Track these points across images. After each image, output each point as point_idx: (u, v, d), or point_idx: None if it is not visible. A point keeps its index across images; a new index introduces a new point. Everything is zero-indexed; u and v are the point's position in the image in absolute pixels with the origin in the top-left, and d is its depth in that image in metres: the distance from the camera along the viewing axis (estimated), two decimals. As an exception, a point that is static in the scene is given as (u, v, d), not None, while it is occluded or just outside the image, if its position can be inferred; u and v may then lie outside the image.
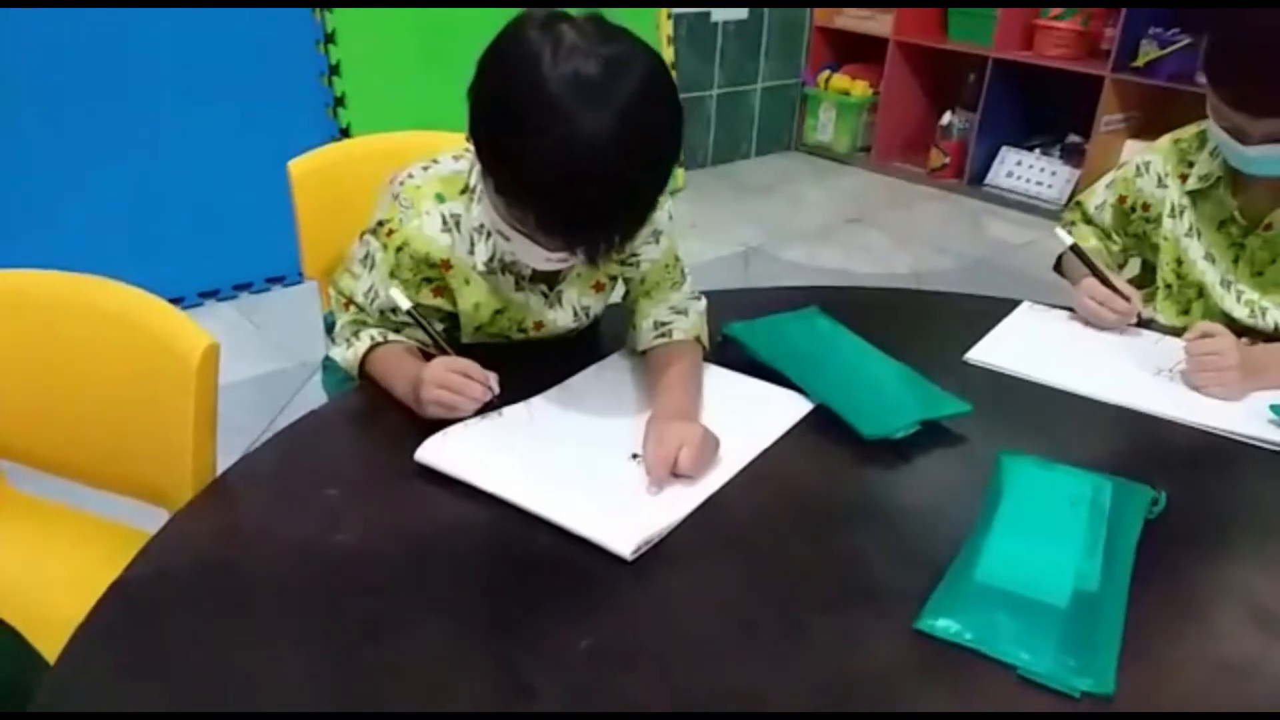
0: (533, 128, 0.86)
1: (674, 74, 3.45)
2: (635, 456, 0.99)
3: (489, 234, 1.05)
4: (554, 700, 0.71)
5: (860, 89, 4.21)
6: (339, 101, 2.92)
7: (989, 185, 3.95)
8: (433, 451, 0.96)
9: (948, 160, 3.98)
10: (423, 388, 1.01)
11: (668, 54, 3.55)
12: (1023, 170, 3.90)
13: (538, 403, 1.08)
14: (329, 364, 1.32)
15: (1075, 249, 1.38)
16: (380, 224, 1.09)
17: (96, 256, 2.50)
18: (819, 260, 3.30)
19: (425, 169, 1.10)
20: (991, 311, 1.36)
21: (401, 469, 0.96)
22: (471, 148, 1.02)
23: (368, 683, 0.72)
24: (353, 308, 1.13)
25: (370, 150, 1.55)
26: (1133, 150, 3.65)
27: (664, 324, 1.14)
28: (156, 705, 0.69)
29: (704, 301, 1.18)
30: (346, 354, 1.12)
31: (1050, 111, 3.93)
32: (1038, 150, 3.91)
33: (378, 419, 1.05)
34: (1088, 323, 1.34)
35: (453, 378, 1.01)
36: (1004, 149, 3.95)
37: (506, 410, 1.04)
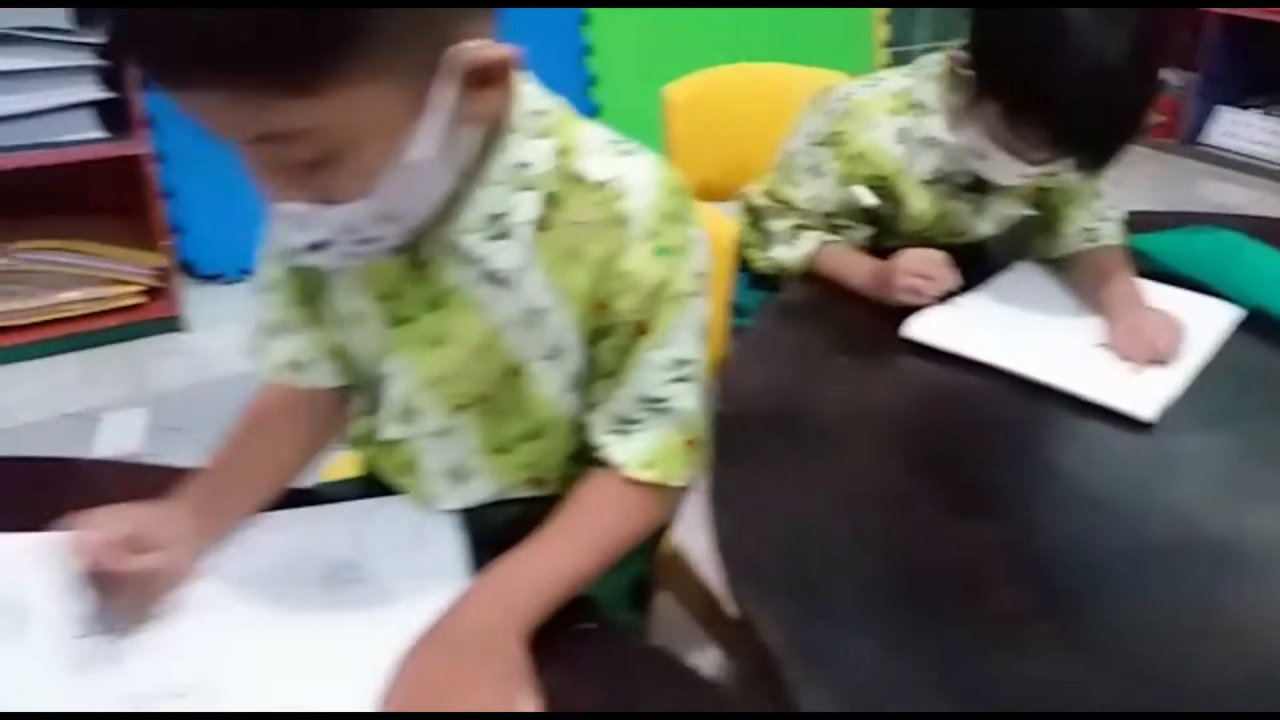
0: (1062, 55, 0.98)
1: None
2: (1100, 345, 1.08)
3: (936, 146, 1.17)
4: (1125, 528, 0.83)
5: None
6: (588, 50, 3.08)
7: (1205, 145, 3.87)
8: (921, 327, 1.08)
9: (1163, 119, 3.92)
10: (897, 275, 1.13)
11: (881, 31, 3.59)
12: (1241, 130, 3.81)
13: (984, 296, 1.18)
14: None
15: None
16: (834, 134, 1.20)
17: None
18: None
19: (871, 87, 1.21)
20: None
21: (886, 344, 1.08)
22: (952, 70, 1.13)
23: (972, 499, 0.85)
24: (793, 213, 1.25)
25: (736, 81, 1.68)
26: (1371, 109, 3.54)
27: (1091, 229, 1.23)
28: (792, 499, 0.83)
29: (1122, 210, 1.27)
30: (792, 253, 1.24)
31: (1272, 70, 3.83)
32: (1258, 110, 3.82)
33: (836, 306, 1.18)
34: None
35: (926, 265, 1.13)
36: (1220, 108, 3.86)
37: (960, 299, 1.15)
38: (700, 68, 1.67)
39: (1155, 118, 3.96)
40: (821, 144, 1.22)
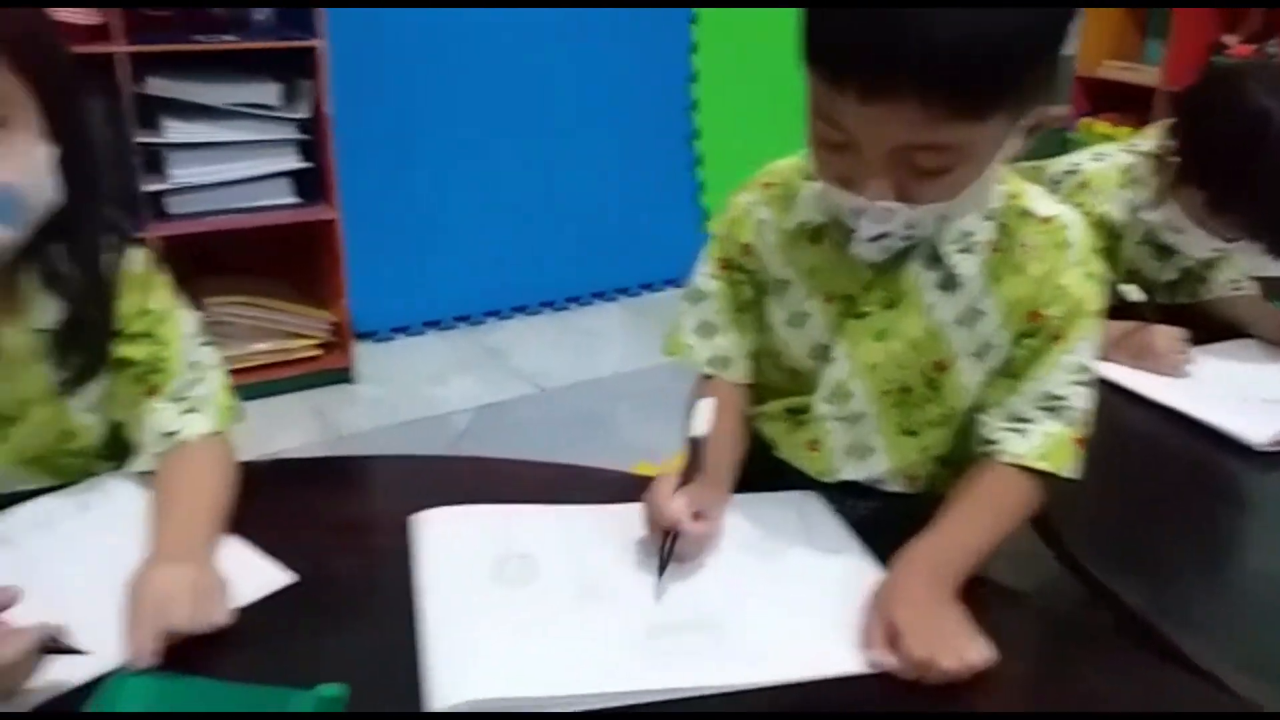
0: (1267, 153, 1.16)
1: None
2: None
3: (1145, 216, 1.35)
4: None
5: (1123, 135, 4.40)
6: (696, 134, 3.30)
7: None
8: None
9: None
10: (1161, 349, 1.26)
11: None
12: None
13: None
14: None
15: None
16: (1074, 205, 1.35)
17: (496, 257, 2.93)
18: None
19: (1098, 161, 1.39)
20: None
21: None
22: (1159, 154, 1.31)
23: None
24: None
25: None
26: None
27: (1236, 281, 1.45)
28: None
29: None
30: None
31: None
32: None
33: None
34: None
35: (1181, 342, 1.28)
36: None
37: None
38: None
39: None
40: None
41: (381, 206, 2.65)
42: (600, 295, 3.15)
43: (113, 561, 0.80)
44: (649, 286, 3.24)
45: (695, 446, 0.84)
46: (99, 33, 2.09)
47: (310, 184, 2.37)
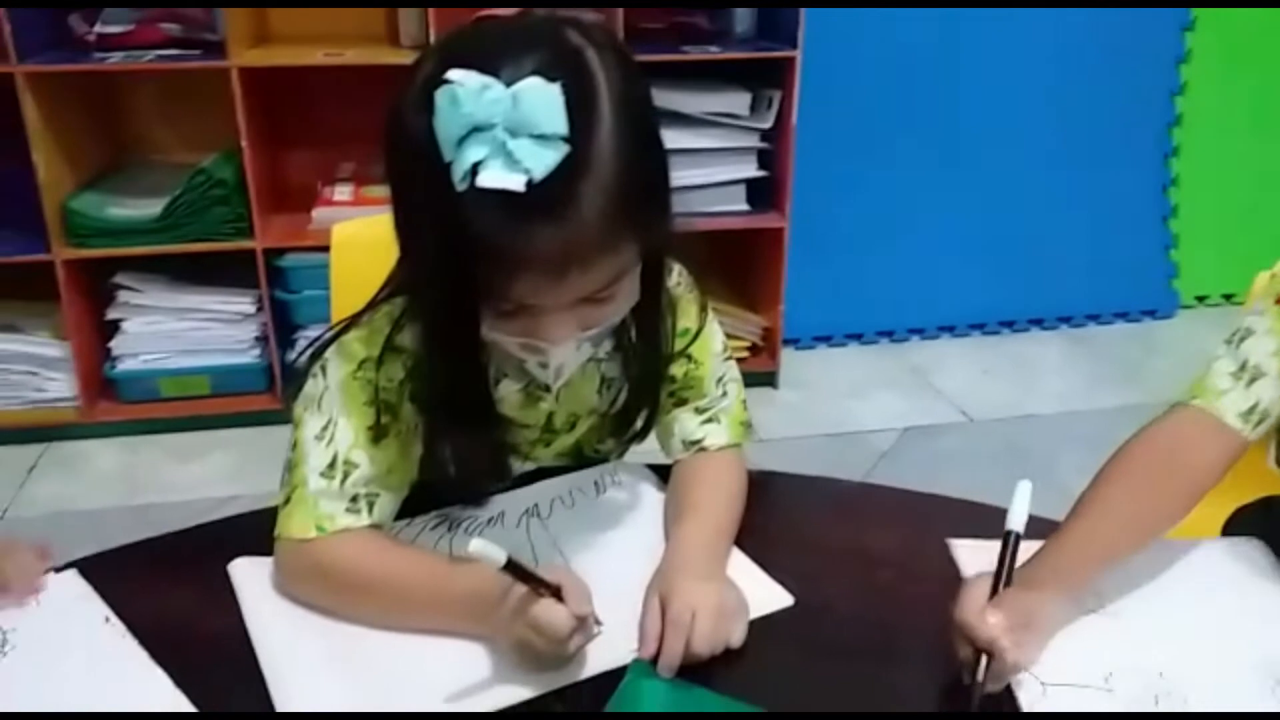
0: None
1: None
2: None
3: None
4: None
5: None
6: (1174, 151, 2.95)
7: None
8: None
9: None
10: None
11: None
12: None
13: None
14: None
15: None
16: None
17: (928, 273, 2.82)
18: None
19: None
20: None
21: None
22: None
23: None
24: None
25: None
26: None
27: None
28: None
29: None
30: None
31: None
32: None
33: None
34: None
35: None
36: None
37: None
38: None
39: None
40: None
41: (824, 216, 2.66)
42: (1038, 322, 2.94)
43: (623, 550, 0.87)
44: (1095, 318, 2.98)
45: (1008, 543, 0.72)
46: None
47: (762, 192, 2.44)
